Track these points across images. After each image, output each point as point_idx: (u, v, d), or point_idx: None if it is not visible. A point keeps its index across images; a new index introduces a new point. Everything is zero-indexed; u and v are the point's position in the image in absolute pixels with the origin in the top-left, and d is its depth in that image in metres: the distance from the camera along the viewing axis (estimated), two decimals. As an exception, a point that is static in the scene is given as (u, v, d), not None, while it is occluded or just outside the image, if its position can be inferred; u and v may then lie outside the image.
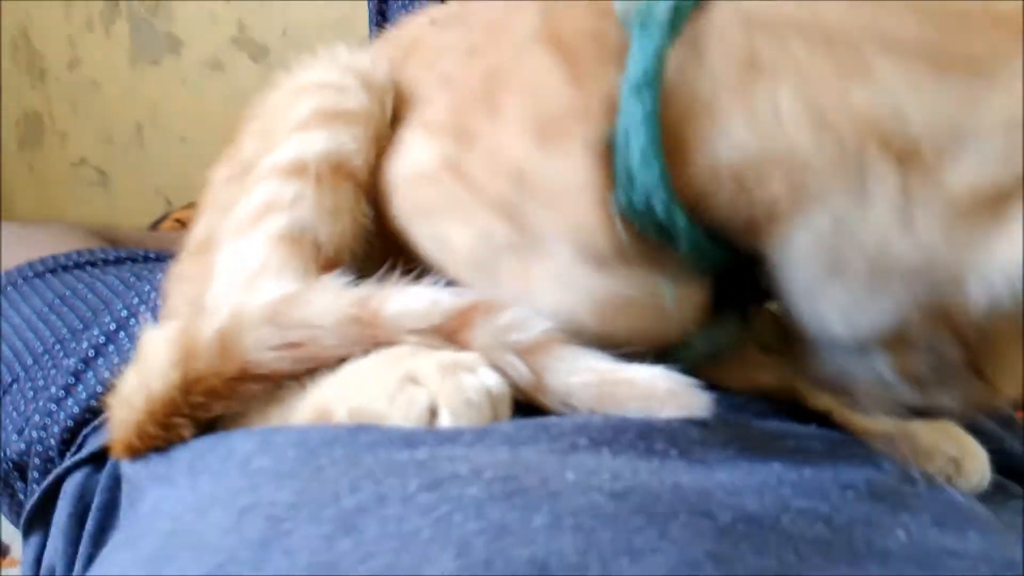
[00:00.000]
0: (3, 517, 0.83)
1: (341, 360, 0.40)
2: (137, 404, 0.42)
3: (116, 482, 0.56)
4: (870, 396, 0.37)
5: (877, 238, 0.32)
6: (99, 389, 0.64)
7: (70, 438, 0.65)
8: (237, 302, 0.41)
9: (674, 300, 0.39)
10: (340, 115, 0.47)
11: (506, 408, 0.38)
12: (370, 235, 0.46)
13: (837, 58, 0.33)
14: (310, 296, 0.41)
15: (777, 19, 0.35)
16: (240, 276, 0.44)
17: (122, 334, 0.68)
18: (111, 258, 0.81)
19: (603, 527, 0.28)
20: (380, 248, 0.46)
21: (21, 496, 0.69)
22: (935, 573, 0.30)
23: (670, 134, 0.36)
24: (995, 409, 0.40)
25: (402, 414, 0.37)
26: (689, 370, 0.38)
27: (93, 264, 0.80)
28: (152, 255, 0.82)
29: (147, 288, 0.71)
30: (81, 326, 0.71)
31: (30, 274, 0.78)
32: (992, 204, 0.30)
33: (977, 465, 0.45)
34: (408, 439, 0.34)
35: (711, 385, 0.38)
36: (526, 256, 0.41)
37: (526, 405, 0.39)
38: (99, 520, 0.58)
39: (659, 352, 0.39)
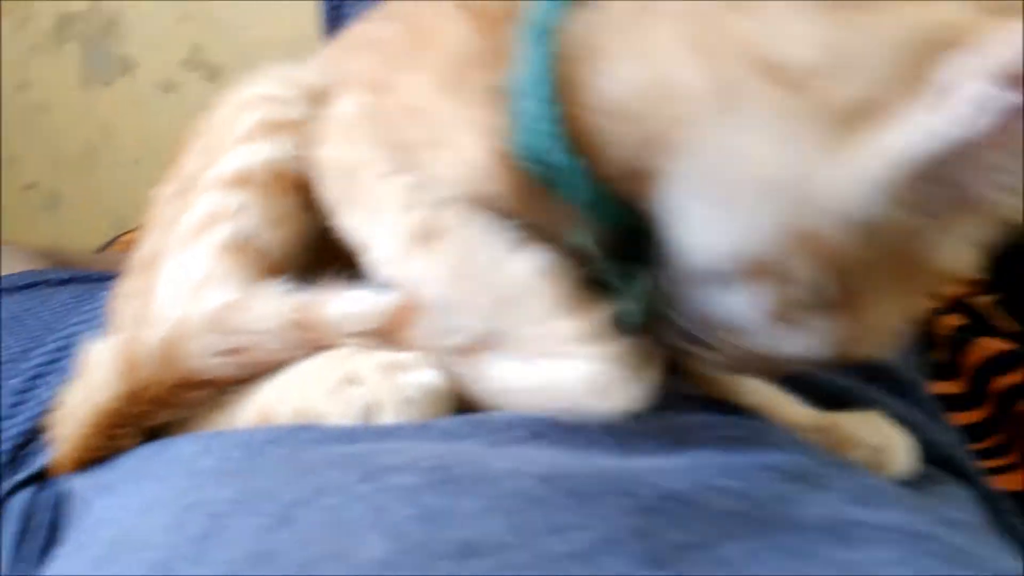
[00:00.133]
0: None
1: (284, 364, 0.41)
2: (82, 417, 0.43)
3: (61, 500, 0.56)
4: (735, 349, 0.39)
5: (755, 160, 0.33)
6: (43, 408, 0.64)
7: (14, 459, 0.65)
8: (181, 311, 0.42)
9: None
10: (283, 125, 0.48)
11: (444, 405, 0.39)
12: (315, 242, 0.47)
13: None
14: (252, 303, 0.42)
15: None
16: (184, 286, 0.45)
17: (67, 354, 0.68)
18: (59, 279, 0.81)
19: (531, 508, 0.29)
20: (326, 255, 0.47)
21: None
22: (849, 545, 0.31)
23: (564, 78, 0.37)
24: (865, 361, 0.41)
25: (343, 413, 0.38)
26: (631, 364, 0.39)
27: (41, 285, 0.80)
28: (100, 276, 0.82)
29: (94, 308, 0.71)
30: (29, 346, 0.71)
31: (-22, 296, 0.77)
32: (858, 120, 0.31)
33: (902, 454, 0.47)
34: (348, 435, 0.36)
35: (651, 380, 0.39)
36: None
37: (466, 403, 0.40)
38: (45, 538, 0.57)
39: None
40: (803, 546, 0.30)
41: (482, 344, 0.40)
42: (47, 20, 1.89)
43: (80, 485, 0.44)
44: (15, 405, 0.66)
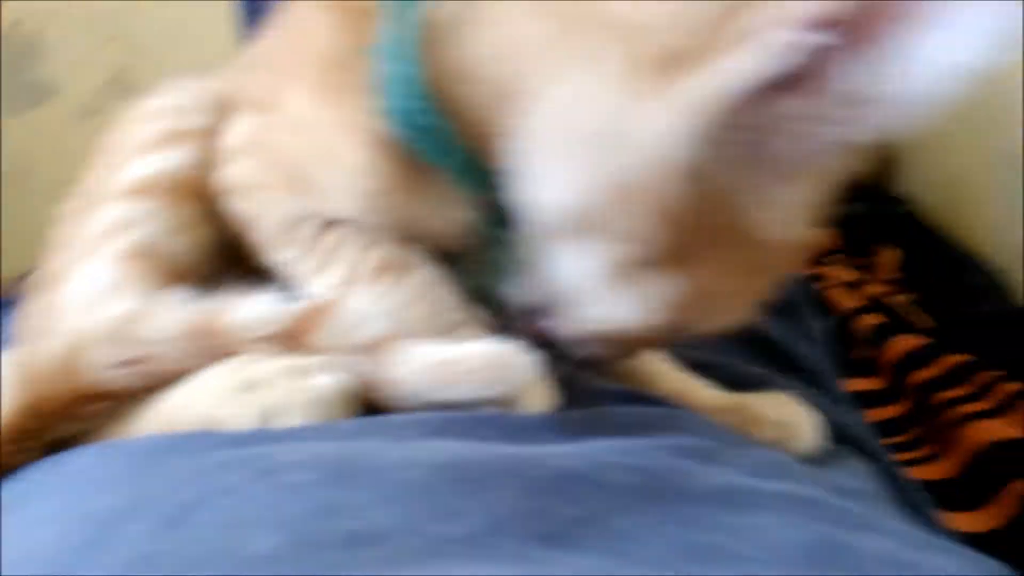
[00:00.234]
0: None
1: (189, 373, 0.41)
2: None
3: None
4: (579, 327, 0.40)
5: (582, 111, 0.35)
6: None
7: None
8: (80, 323, 0.42)
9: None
10: (186, 134, 0.48)
11: (349, 406, 0.39)
12: (217, 249, 0.48)
13: None
14: (152, 311, 0.42)
15: None
16: (86, 297, 0.45)
17: None
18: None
19: (421, 497, 0.30)
20: (231, 262, 0.48)
21: None
22: (742, 512, 0.32)
23: (427, 47, 0.39)
24: (697, 336, 0.44)
25: (244, 419, 0.38)
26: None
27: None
28: (10, 301, 0.80)
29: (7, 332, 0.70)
30: None
31: None
32: (672, 69, 0.32)
33: (807, 430, 0.49)
34: (247, 439, 0.36)
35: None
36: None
37: (370, 407, 0.41)
38: None
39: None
40: (696, 515, 0.31)
41: (385, 340, 0.41)
42: (-38, 46, 1.85)
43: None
44: None
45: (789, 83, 0.30)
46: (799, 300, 0.73)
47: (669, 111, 0.32)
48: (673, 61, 0.32)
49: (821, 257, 1.67)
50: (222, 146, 0.48)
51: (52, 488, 0.37)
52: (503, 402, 0.39)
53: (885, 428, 1.25)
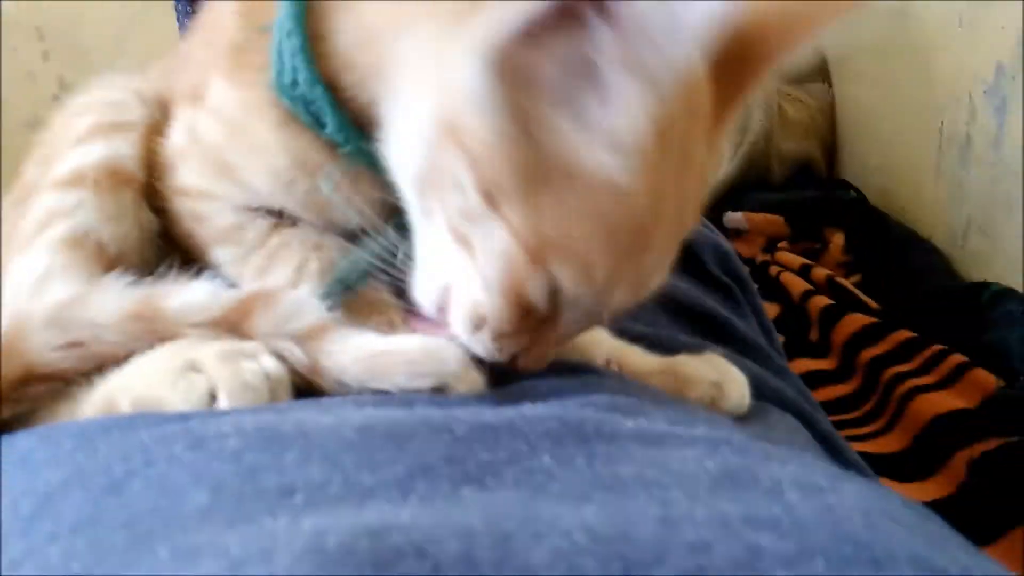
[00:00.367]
0: None
1: (129, 356, 0.42)
2: None
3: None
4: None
5: (414, 63, 0.40)
6: None
7: None
8: (20, 307, 0.42)
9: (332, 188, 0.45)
10: (117, 126, 0.49)
11: (284, 391, 0.40)
12: (155, 237, 0.48)
13: None
14: (92, 296, 0.42)
15: None
16: (25, 285, 0.45)
17: None
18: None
19: (347, 452, 0.31)
20: (167, 250, 0.48)
21: None
22: (658, 448, 0.34)
23: (312, 33, 0.43)
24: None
25: (183, 399, 0.39)
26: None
27: None
28: None
29: None
30: None
31: None
32: (469, 15, 0.37)
33: (736, 388, 0.50)
34: (182, 416, 0.37)
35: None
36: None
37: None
38: None
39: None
40: (611, 452, 0.33)
41: (321, 328, 0.42)
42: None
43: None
44: None
45: (567, 19, 0.34)
46: (739, 280, 0.75)
47: (465, 51, 0.36)
48: (472, 9, 0.36)
49: (773, 243, 1.71)
50: (166, 148, 0.49)
51: None
52: (437, 389, 0.40)
53: (838, 405, 1.29)
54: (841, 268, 1.62)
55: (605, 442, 0.33)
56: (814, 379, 1.31)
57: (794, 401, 0.59)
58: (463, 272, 0.40)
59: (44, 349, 0.41)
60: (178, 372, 0.40)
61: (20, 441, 0.38)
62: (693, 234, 0.74)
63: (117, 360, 0.41)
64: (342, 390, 0.41)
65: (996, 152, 1.40)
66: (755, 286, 0.80)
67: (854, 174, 1.88)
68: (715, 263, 0.74)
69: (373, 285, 0.46)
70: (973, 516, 0.93)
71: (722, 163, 0.46)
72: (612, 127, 0.36)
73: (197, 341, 0.41)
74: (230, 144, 0.46)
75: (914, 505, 0.33)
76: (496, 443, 0.33)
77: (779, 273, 1.56)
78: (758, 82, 0.42)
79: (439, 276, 0.42)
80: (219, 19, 0.48)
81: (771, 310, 1.44)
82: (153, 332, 0.41)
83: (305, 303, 0.42)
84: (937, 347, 1.24)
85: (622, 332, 0.54)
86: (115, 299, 0.42)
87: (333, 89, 0.42)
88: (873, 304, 1.44)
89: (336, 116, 0.42)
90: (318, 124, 0.43)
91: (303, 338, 0.41)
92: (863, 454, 0.71)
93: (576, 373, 0.46)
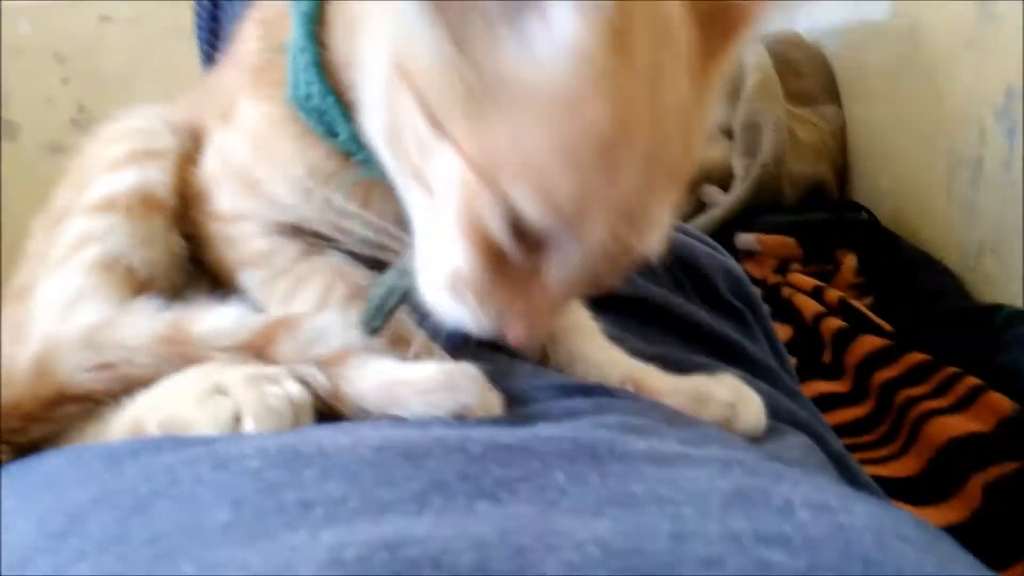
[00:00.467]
0: None
1: (157, 378, 0.43)
2: None
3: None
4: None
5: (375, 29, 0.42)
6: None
7: None
8: (54, 328, 0.43)
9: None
10: (150, 154, 0.51)
11: (307, 416, 0.41)
12: (184, 262, 0.50)
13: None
14: (123, 319, 0.43)
15: None
16: (57, 305, 0.46)
17: None
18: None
19: (365, 469, 0.32)
20: (197, 275, 0.50)
21: None
22: (670, 467, 0.34)
23: (322, 44, 0.46)
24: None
25: (210, 421, 0.40)
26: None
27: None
28: None
29: None
30: None
31: None
32: None
33: (752, 410, 0.51)
34: (206, 439, 0.38)
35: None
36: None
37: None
38: None
39: None
40: (624, 470, 0.33)
41: (343, 354, 0.43)
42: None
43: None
44: None
45: None
46: (750, 304, 0.75)
47: None
48: None
49: (785, 265, 1.72)
50: (200, 176, 0.51)
51: (28, 488, 0.38)
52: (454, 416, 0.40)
53: (852, 428, 1.28)
54: (853, 290, 1.62)
55: (618, 461, 0.34)
56: (827, 401, 1.31)
57: (807, 422, 0.59)
58: (430, 224, 0.39)
59: (76, 370, 0.42)
60: (205, 395, 0.41)
61: (49, 461, 0.39)
62: (705, 258, 0.76)
63: (145, 382, 0.43)
64: (362, 415, 0.42)
65: (1007, 174, 1.40)
66: (767, 308, 0.80)
67: (865, 196, 1.89)
68: (727, 287, 0.75)
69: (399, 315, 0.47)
70: (988, 541, 0.92)
71: (713, 115, 0.43)
72: (553, 33, 0.35)
73: (223, 365, 0.42)
74: (255, 158, 0.48)
75: (925, 525, 0.33)
76: (510, 461, 0.33)
77: (791, 295, 1.56)
78: (744, 31, 0.40)
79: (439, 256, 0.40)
80: (244, 43, 0.50)
81: (783, 332, 1.44)
82: (181, 355, 0.42)
83: (327, 329, 0.43)
84: (951, 370, 1.24)
85: (636, 352, 0.54)
86: (146, 322, 0.43)
87: (341, 96, 0.45)
88: (886, 326, 1.43)
89: (347, 125, 0.44)
90: (332, 134, 0.45)
91: (325, 363, 0.42)
92: (877, 478, 0.71)
93: (589, 395, 0.46)
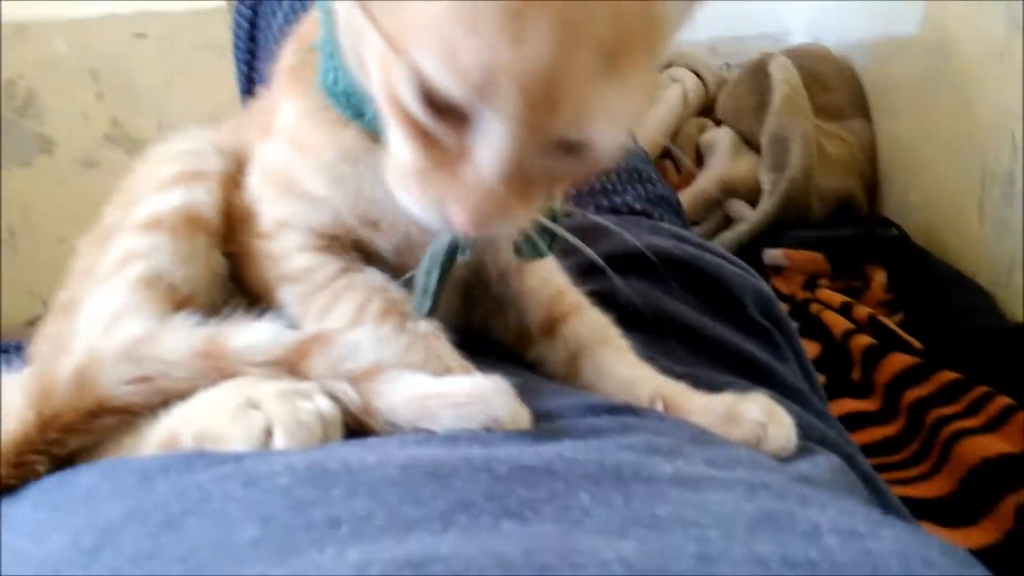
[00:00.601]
0: None
1: (193, 392, 0.43)
2: None
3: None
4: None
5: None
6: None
7: None
8: (96, 342, 0.45)
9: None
10: (196, 175, 0.52)
11: (337, 431, 0.42)
12: (225, 280, 0.51)
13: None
14: (163, 334, 0.44)
15: None
16: (101, 320, 0.48)
17: None
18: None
19: (391, 488, 0.33)
20: (236, 291, 0.51)
21: None
22: (696, 490, 0.35)
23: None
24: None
25: (242, 435, 0.40)
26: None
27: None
28: (19, 345, 0.83)
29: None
30: None
31: None
32: None
33: (782, 430, 0.50)
34: (236, 456, 0.38)
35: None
36: None
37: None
38: None
39: None
40: (649, 493, 0.34)
41: (374, 369, 0.43)
42: (-39, 102, 1.89)
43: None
44: None
45: None
46: (778, 324, 0.75)
47: None
48: None
49: (813, 280, 1.70)
50: (245, 196, 0.53)
51: (62, 501, 0.39)
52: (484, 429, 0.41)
53: (881, 447, 1.26)
54: (883, 307, 1.60)
55: (642, 484, 0.34)
56: (857, 420, 1.29)
57: (835, 442, 0.59)
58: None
59: (116, 383, 0.43)
60: (238, 409, 0.41)
61: (83, 476, 0.40)
62: (733, 278, 0.76)
63: (181, 395, 0.43)
64: (392, 430, 0.42)
65: (1040, 190, 1.39)
66: (795, 326, 0.80)
67: (895, 211, 1.87)
68: (756, 307, 0.74)
69: (433, 328, 0.47)
70: (1021, 563, 0.91)
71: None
72: None
73: (257, 380, 0.43)
74: (290, 154, 0.50)
75: (953, 551, 0.33)
76: (535, 482, 0.34)
77: (820, 311, 1.55)
78: None
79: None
80: (284, 56, 0.53)
81: (811, 349, 1.43)
82: (217, 370, 0.43)
83: (360, 345, 0.44)
84: (983, 389, 1.22)
85: (665, 372, 0.55)
86: (184, 337, 0.44)
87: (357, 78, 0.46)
88: (916, 344, 1.41)
89: (375, 114, 0.45)
90: (359, 116, 0.47)
91: (357, 379, 0.43)
92: (907, 498, 0.70)
93: (616, 414, 0.46)
